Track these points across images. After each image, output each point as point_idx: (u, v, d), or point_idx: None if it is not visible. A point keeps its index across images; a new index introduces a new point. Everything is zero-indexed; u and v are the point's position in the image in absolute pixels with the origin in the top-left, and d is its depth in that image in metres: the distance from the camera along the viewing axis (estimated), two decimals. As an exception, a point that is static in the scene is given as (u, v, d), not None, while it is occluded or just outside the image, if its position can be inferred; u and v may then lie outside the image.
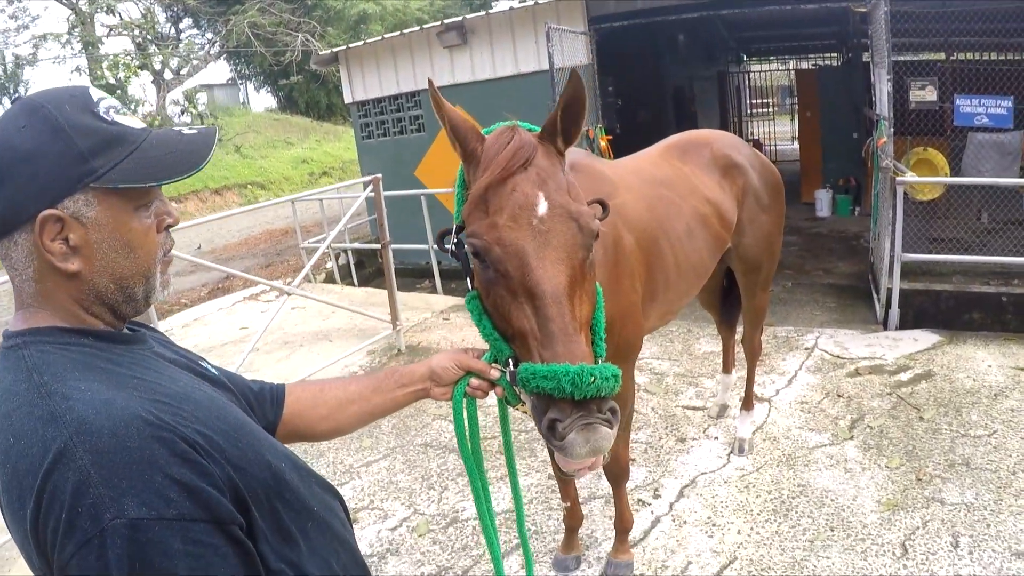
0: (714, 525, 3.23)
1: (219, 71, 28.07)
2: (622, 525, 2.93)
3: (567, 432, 1.22)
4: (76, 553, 0.82)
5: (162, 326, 7.69)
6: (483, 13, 8.33)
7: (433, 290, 8.40)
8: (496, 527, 1.61)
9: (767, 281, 3.65)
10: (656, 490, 3.57)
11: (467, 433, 1.50)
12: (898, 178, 5.24)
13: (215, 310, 8.22)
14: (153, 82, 19.88)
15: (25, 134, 0.94)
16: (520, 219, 1.35)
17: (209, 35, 22.89)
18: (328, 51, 10.19)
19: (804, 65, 14.48)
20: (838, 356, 5.01)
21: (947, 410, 4.06)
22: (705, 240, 2.95)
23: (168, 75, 20.32)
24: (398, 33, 9.22)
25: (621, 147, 9.23)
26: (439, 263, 8.28)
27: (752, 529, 3.17)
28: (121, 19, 19.57)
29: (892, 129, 5.58)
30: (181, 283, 10.35)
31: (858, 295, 6.40)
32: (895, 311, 5.41)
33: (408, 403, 1.49)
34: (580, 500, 3.50)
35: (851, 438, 3.88)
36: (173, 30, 22.63)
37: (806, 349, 5.18)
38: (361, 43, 9.54)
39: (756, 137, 14.06)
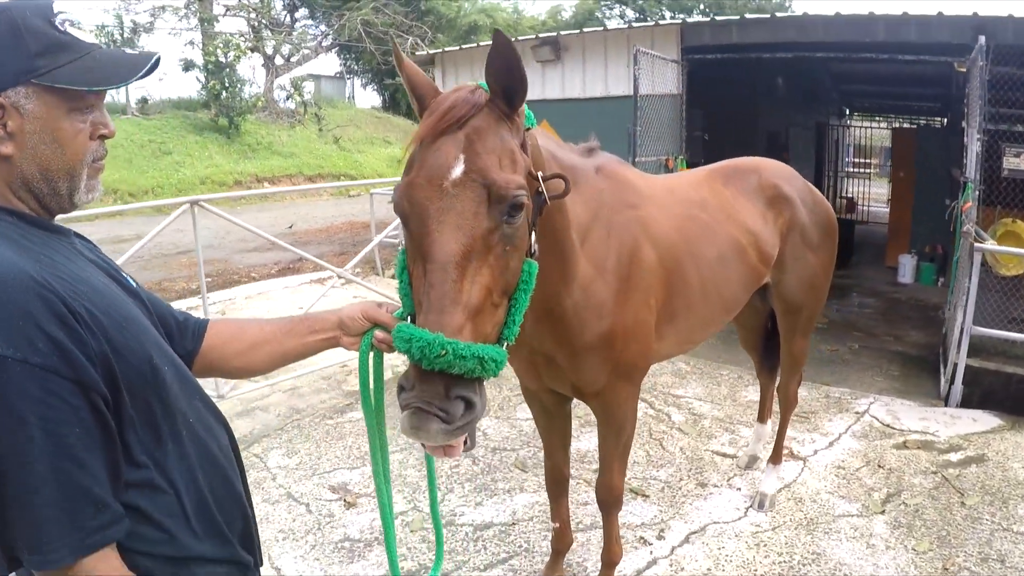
0: (716, 578, 3.08)
1: (329, 63, 29.18)
2: (609, 557, 2.82)
3: (404, 404, 1.22)
4: None
5: (227, 294, 8.03)
6: (578, 31, 8.32)
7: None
8: (391, 491, 1.59)
9: (808, 326, 3.46)
10: (662, 531, 3.44)
11: (371, 387, 1.50)
12: (976, 244, 4.91)
13: (281, 288, 8.51)
14: (263, 65, 20.89)
15: None
16: (433, 180, 1.32)
17: (323, 27, 23.88)
18: (425, 52, 10.43)
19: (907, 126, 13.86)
20: (888, 425, 4.71)
21: (993, 499, 3.75)
22: (738, 271, 2.81)
23: (279, 60, 21.31)
24: (489, 43, 9.35)
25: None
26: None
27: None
28: (239, 1, 20.66)
29: (979, 195, 5.25)
30: (257, 259, 10.75)
31: (925, 367, 6.02)
32: (958, 387, 5.06)
33: (320, 350, 1.52)
34: (584, 527, 3.44)
35: (882, 512, 3.63)
36: (288, 18, 23.74)
37: (856, 413, 4.91)
38: (457, 48, 9.71)
39: (851, 196, 13.51)
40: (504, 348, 1.36)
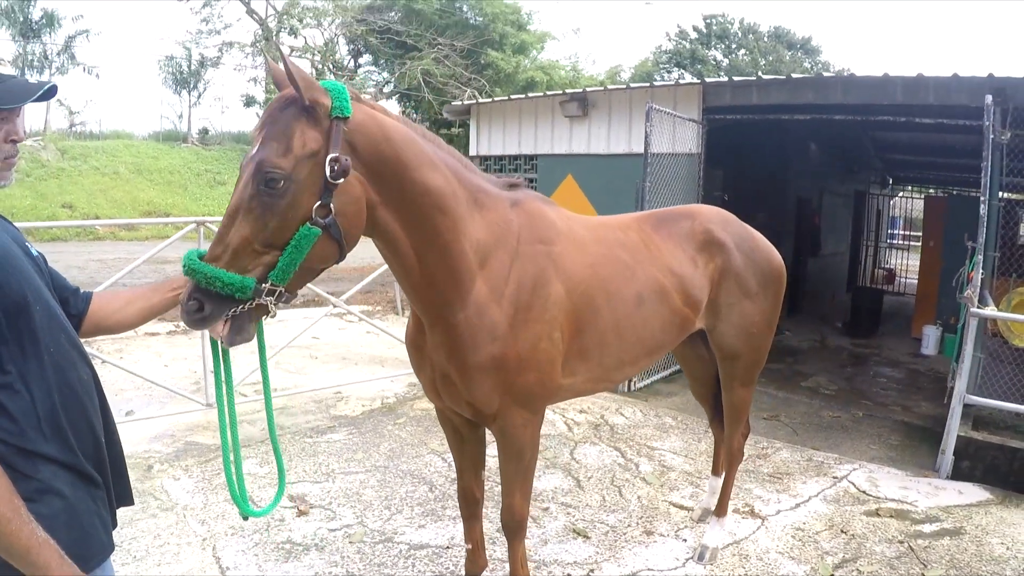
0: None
1: (390, 109, 30.47)
2: (516, 585, 2.85)
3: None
4: None
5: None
6: (603, 88, 8.55)
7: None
8: (235, 413, 1.99)
9: (747, 375, 3.43)
10: (591, 571, 3.44)
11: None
12: (973, 310, 4.80)
13: (300, 317, 8.82)
14: (326, 107, 21.88)
15: None
16: (245, 159, 1.85)
17: (385, 74, 24.96)
18: (460, 103, 10.83)
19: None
20: (864, 492, 4.58)
21: (959, 574, 3.60)
22: (658, 312, 2.86)
23: (340, 103, 22.31)
24: (524, 96, 9.69)
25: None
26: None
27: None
28: (305, 43, 21.84)
29: (994, 262, 5.15)
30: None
31: (927, 438, 5.81)
32: (948, 457, 4.89)
33: (169, 306, 1.92)
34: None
35: None
36: (353, 63, 24.91)
37: (834, 478, 4.78)
38: (490, 100, 10.07)
39: (891, 267, 13.20)
40: (256, 282, 1.80)
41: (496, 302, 2.34)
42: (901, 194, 14.90)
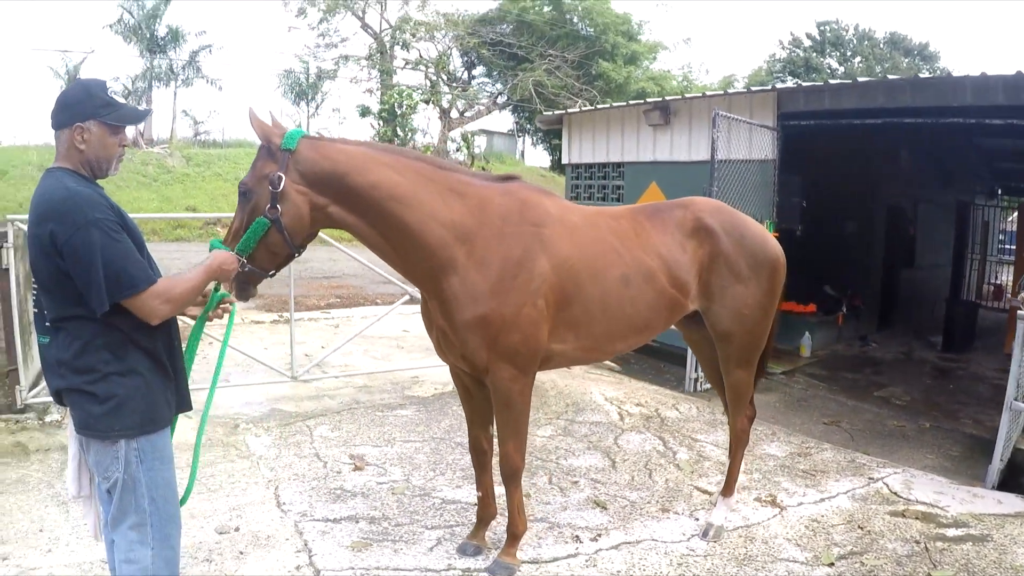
0: (618, 581, 3.36)
1: (503, 120, 31.31)
2: (512, 529, 3.30)
3: None
4: (73, 234, 2.07)
5: (347, 312, 9.26)
6: (682, 97, 8.78)
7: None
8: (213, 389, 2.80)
9: (743, 357, 3.68)
10: (599, 535, 3.80)
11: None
12: (1021, 312, 4.75)
13: (396, 314, 9.61)
14: (440, 117, 23.05)
15: (78, 91, 2.27)
16: None
17: (499, 86, 25.86)
18: (551, 112, 11.30)
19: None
20: (896, 494, 4.61)
21: None
22: (644, 292, 3.24)
23: (454, 113, 23.42)
24: (609, 105, 10.02)
25: (802, 248, 8.99)
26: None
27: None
28: (420, 56, 23.06)
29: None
30: (389, 289, 12.08)
31: (988, 451, 5.67)
32: (995, 464, 4.82)
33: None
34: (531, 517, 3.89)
35: (830, 565, 3.64)
36: (466, 74, 25.99)
37: (870, 479, 4.83)
38: (578, 110, 10.49)
39: (999, 282, 12.39)
40: (237, 253, 2.64)
41: (479, 270, 2.87)
42: (1006, 204, 13.85)
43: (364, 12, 24.83)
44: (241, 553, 3.37)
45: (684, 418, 6.00)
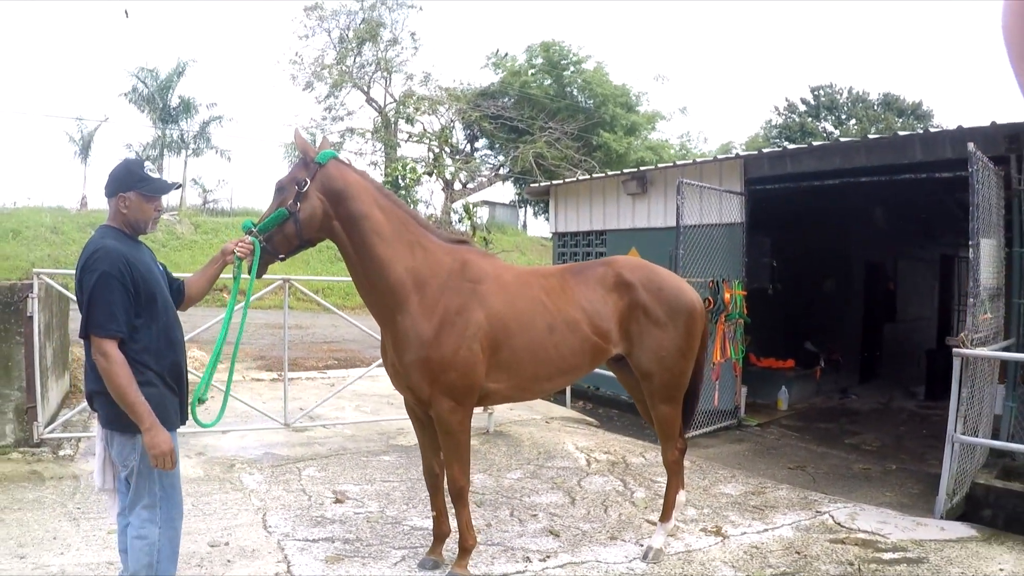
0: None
1: (505, 191, 32.43)
2: (463, 543, 3.72)
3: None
4: (84, 276, 2.72)
5: (343, 373, 9.76)
6: (657, 166, 9.43)
7: (561, 403, 9.38)
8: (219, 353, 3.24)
9: (666, 395, 4.12)
10: (548, 556, 4.18)
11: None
12: (956, 350, 5.14)
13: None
14: (443, 189, 24.05)
15: (122, 169, 2.93)
16: None
17: (500, 157, 26.96)
18: (538, 184, 12.01)
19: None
20: (840, 524, 4.91)
21: None
22: (567, 338, 3.75)
23: (457, 185, 24.41)
24: (589, 176, 10.70)
25: (778, 306, 9.40)
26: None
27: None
28: (423, 129, 24.21)
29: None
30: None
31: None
32: (941, 496, 5.11)
33: (219, 271, 3.28)
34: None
35: None
36: (468, 146, 27.14)
37: (817, 512, 5.15)
38: (562, 181, 11.19)
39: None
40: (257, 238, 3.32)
41: (426, 317, 3.40)
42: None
43: (369, 87, 26.29)
44: (229, 561, 3.83)
45: (648, 464, 6.36)
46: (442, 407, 3.48)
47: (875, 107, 33.28)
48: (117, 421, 2.74)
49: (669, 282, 4.14)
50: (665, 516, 4.35)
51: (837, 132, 29.78)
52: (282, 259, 3.49)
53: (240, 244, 3.28)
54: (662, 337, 3.99)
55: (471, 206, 21.88)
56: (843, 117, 33.13)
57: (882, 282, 10.72)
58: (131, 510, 2.83)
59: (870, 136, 7.60)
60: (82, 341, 2.79)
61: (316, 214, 3.39)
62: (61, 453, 5.56)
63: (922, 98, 38.52)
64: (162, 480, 2.82)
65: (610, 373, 4.65)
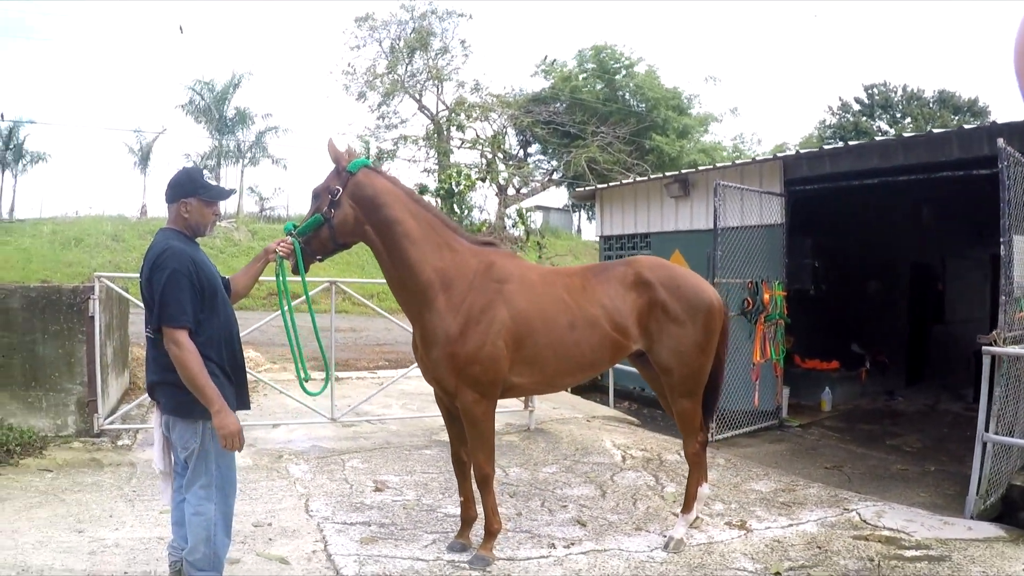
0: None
1: (559, 196, 32.63)
2: (488, 527, 3.97)
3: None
4: (153, 274, 3.01)
5: (393, 373, 10.14)
6: (698, 169, 9.52)
7: (604, 402, 9.58)
8: (299, 343, 3.60)
9: (684, 388, 4.26)
10: (572, 544, 4.39)
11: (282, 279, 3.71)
12: (985, 348, 5.14)
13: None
14: (497, 194, 24.40)
15: (183, 176, 3.25)
16: None
17: (554, 162, 27.16)
18: (583, 188, 12.20)
19: None
20: (865, 521, 4.95)
21: None
22: (587, 335, 3.95)
23: (510, 190, 24.74)
24: (632, 180, 10.84)
25: (823, 308, 9.33)
26: (615, 383, 9.46)
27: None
28: (476, 135, 24.60)
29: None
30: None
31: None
32: (971, 496, 5.10)
33: (262, 268, 3.58)
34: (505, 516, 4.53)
35: (776, 574, 4.07)
36: (521, 152, 27.41)
37: (844, 509, 5.21)
38: (606, 185, 11.35)
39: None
40: (297, 239, 3.68)
41: (452, 315, 3.67)
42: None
43: (421, 95, 26.88)
44: (270, 540, 4.18)
45: (683, 461, 6.35)
46: (467, 399, 3.75)
47: (930, 105, 32.34)
48: (180, 408, 3.05)
49: (688, 281, 4.29)
50: (687, 508, 4.51)
51: (892, 131, 29.05)
52: (320, 260, 3.81)
53: (281, 244, 3.60)
54: (681, 334, 4.15)
55: (525, 211, 22.10)
56: (898, 116, 32.30)
57: (930, 283, 10.50)
58: (188, 488, 3.14)
59: (906, 135, 7.55)
60: (143, 339, 3.15)
61: (348, 220, 3.70)
62: (119, 443, 6.07)
63: (978, 94, 37.20)
64: (218, 461, 3.12)
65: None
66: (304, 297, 3.85)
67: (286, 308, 3.63)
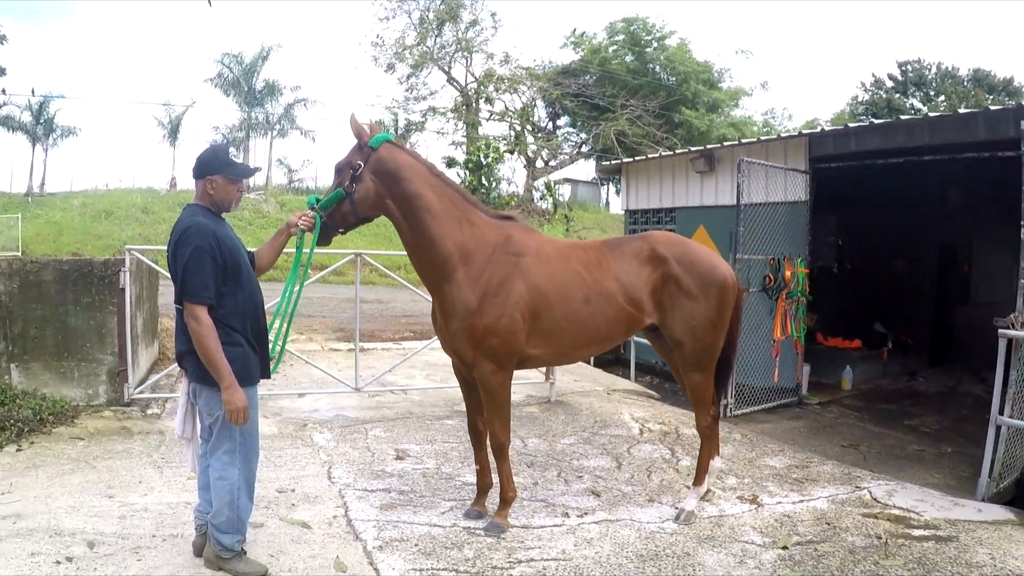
0: (593, 547, 4.01)
1: (587, 169, 32.49)
2: (503, 495, 4.12)
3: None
4: (177, 249, 3.19)
5: (419, 344, 10.34)
6: (723, 144, 9.46)
7: (625, 375, 9.69)
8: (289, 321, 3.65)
9: (695, 361, 4.34)
10: (585, 513, 4.53)
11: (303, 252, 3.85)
12: (1001, 331, 5.14)
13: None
14: (525, 167, 24.39)
15: (209, 154, 3.40)
16: None
17: (582, 135, 27.00)
18: (609, 162, 12.18)
19: None
20: (876, 500, 5.01)
21: (918, 569, 3.87)
22: (602, 308, 4.05)
23: (539, 163, 24.70)
24: (659, 154, 10.81)
25: (845, 286, 9.27)
26: (636, 357, 9.53)
27: (618, 563, 3.85)
28: (505, 107, 24.54)
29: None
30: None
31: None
32: (983, 478, 5.13)
33: (285, 241, 3.73)
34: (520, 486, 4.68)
35: (784, 548, 4.13)
36: (550, 124, 27.28)
37: (856, 487, 5.27)
38: (632, 160, 11.32)
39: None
40: (320, 213, 3.76)
41: (471, 288, 3.79)
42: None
43: (450, 67, 26.82)
44: (293, 505, 4.39)
45: (695, 433, 6.57)
46: (484, 369, 3.88)
47: (964, 83, 31.51)
48: (207, 377, 3.19)
49: (702, 256, 4.35)
50: (698, 480, 4.62)
51: (925, 109, 28.35)
52: (342, 232, 3.93)
53: (303, 217, 3.71)
54: (693, 308, 4.22)
55: (553, 184, 22.06)
56: (931, 93, 31.53)
57: (957, 264, 10.36)
58: (212, 454, 3.32)
59: (932, 114, 7.43)
60: (173, 310, 3.30)
61: (369, 195, 3.80)
62: (149, 412, 6.32)
63: (1014, 74, 36.05)
64: (242, 428, 3.27)
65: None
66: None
67: (295, 285, 3.77)
